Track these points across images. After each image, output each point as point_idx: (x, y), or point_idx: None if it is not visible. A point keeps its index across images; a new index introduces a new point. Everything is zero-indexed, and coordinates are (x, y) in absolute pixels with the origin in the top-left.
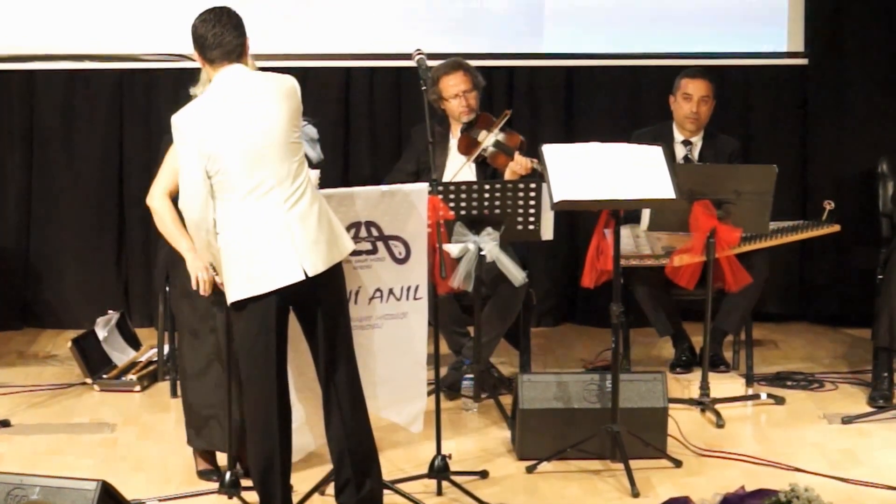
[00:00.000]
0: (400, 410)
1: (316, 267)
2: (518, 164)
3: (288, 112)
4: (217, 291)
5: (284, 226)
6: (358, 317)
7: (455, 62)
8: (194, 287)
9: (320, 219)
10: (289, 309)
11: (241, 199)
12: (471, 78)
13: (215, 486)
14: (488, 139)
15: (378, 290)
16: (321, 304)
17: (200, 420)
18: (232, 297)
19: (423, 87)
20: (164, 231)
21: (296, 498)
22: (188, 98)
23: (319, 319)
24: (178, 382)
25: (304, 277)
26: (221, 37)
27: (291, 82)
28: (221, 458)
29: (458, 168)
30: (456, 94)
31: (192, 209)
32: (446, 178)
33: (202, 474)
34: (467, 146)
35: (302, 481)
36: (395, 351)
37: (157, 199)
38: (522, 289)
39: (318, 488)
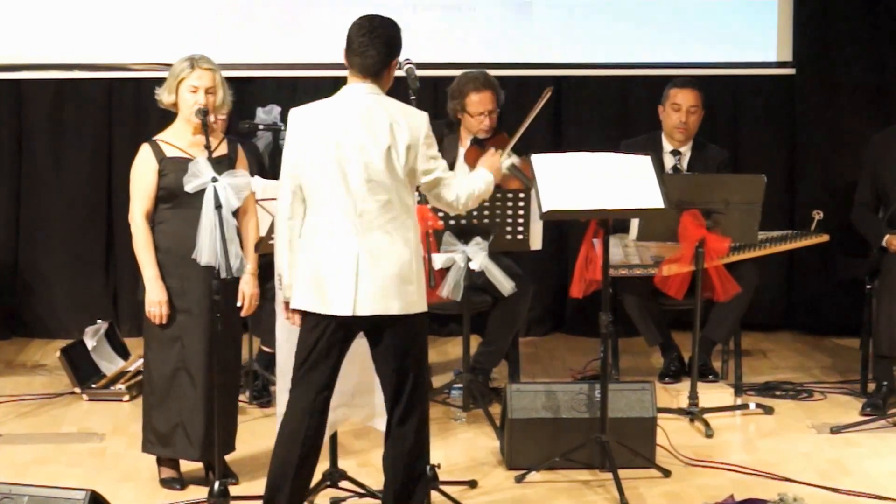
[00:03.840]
0: (383, 419)
1: (366, 308)
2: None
3: (397, 147)
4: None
5: (353, 257)
6: None
7: (486, 80)
8: (147, 315)
9: (396, 266)
10: (350, 333)
11: (324, 215)
12: (497, 98)
13: (204, 494)
14: (504, 161)
15: None
16: (386, 345)
17: (167, 429)
18: (294, 303)
19: (412, 97)
20: (137, 254)
21: None
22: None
23: (386, 358)
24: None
25: (351, 314)
26: (366, 48)
27: (417, 122)
28: (184, 466)
29: None
30: (481, 112)
31: (280, 207)
32: None
33: (165, 482)
34: (476, 160)
35: None
36: None
37: (134, 223)
38: (527, 295)
39: (308, 497)
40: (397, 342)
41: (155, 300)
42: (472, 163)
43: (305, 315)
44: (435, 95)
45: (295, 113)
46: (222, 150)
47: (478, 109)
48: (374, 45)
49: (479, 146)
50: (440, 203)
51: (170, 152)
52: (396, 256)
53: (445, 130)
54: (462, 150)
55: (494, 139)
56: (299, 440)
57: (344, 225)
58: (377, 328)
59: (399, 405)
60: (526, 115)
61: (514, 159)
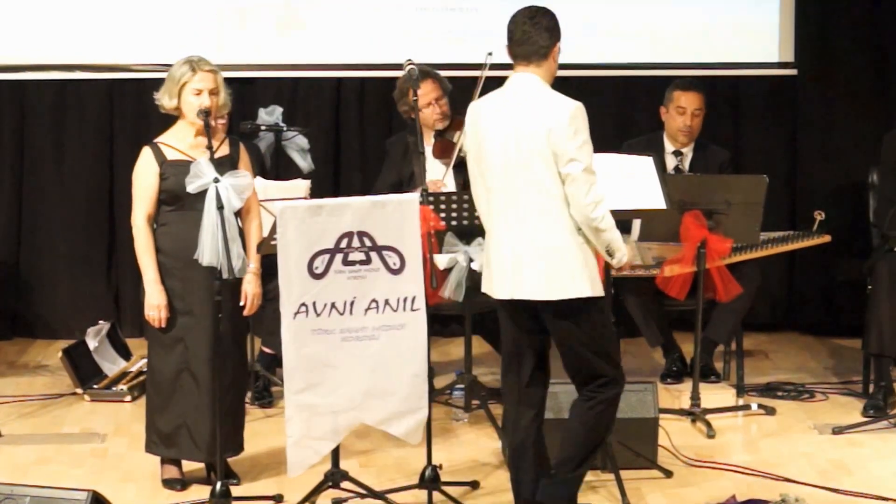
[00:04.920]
0: (400, 423)
1: (513, 293)
2: None
3: (543, 136)
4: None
5: (513, 242)
6: (354, 328)
7: (422, 71)
8: (147, 319)
9: (555, 252)
10: (527, 315)
11: (490, 198)
12: (439, 84)
13: (206, 495)
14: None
15: (373, 300)
16: (548, 330)
17: (171, 429)
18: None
19: (414, 98)
20: (138, 258)
21: None
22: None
23: (557, 343)
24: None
25: (502, 297)
26: (528, 36)
27: (564, 111)
28: (186, 466)
29: (443, 175)
30: (428, 103)
31: (479, 208)
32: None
33: (167, 483)
34: (443, 149)
35: (294, 490)
36: (395, 363)
37: (135, 226)
38: None
39: (309, 498)
40: (558, 326)
41: (154, 304)
42: (440, 155)
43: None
44: None
45: (471, 106)
46: (224, 150)
47: (424, 101)
48: (537, 31)
49: (442, 136)
50: (572, 202)
51: (171, 155)
52: (555, 243)
53: (409, 136)
54: (429, 148)
55: (454, 124)
56: (512, 423)
57: (504, 213)
58: (541, 312)
59: (576, 384)
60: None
61: None
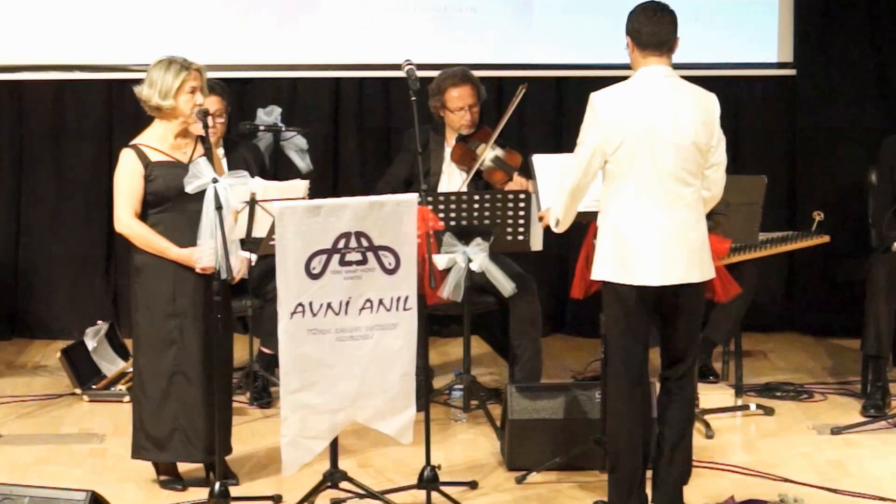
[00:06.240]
0: (390, 422)
1: (670, 277)
2: (517, 186)
3: (697, 125)
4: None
5: (663, 230)
6: (348, 327)
7: (464, 74)
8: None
9: (697, 238)
10: (653, 303)
11: (633, 191)
12: (477, 92)
13: (204, 496)
14: (487, 153)
15: (368, 300)
16: (679, 312)
17: (164, 433)
18: (597, 275)
19: (413, 98)
20: (149, 248)
21: None
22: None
23: (677, 326)
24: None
25: (655, 283)
26: (659, 27)
27: (714, 103)
28: (184, 467)
29: (461, 183)
30: (461, 107)
31: (573, 180)
32: (441, 187)
33: (166, 484)
34: (461, 156)
35: (293, 490)
36: (385, 362)
37: (126, 224)
38: (533, 293)
39: (308, 498)
40: (689, 309)
41: (203, 262)
42: (457, 159)
43: (606, 286)
44: None
45: (601, 96)
46: (200, 150)
47: (457, 104)
48: (665, 26)
49: (464, 142)
50: (714, 187)
51: (154, 157)
52: (697, 230)
53: (431, 133)
54: (448, 150)
55: (478, 134)
56: (627, 418)
57: (653, 201)
58: (675, 295)
59: (684, 362)
60: (505, 110)
61: (498, 151)
